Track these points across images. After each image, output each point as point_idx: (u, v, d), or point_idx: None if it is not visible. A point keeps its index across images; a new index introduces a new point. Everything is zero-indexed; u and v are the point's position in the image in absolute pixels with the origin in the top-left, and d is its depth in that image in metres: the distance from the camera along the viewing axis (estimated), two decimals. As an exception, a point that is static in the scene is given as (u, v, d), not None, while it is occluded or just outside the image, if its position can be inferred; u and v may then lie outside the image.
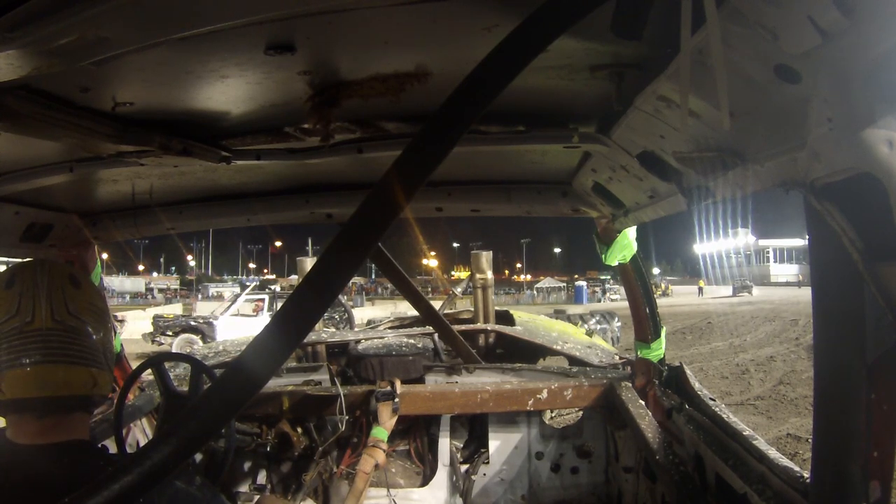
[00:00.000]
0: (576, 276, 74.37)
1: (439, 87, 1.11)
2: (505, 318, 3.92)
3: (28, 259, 1.13)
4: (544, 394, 2.71)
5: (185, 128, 1.58)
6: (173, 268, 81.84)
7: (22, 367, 0.98)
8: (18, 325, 1.00)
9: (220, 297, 30.89)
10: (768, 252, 64.79)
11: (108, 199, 2.43)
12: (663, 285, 54.32)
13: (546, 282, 68.12)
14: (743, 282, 49.55)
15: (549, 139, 1.69)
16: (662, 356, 2.60)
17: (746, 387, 9.44)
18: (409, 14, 0.98)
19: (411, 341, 3.25)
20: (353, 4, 0.93)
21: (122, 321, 17.52)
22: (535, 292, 56.15)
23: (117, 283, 57.29)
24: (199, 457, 2.44)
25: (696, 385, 2.26)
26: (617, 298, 44.16)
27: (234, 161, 1.80)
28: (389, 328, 3.94)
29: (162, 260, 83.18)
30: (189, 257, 74.59)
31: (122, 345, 2.88)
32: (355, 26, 1.04)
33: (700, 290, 49.04)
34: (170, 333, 15.06)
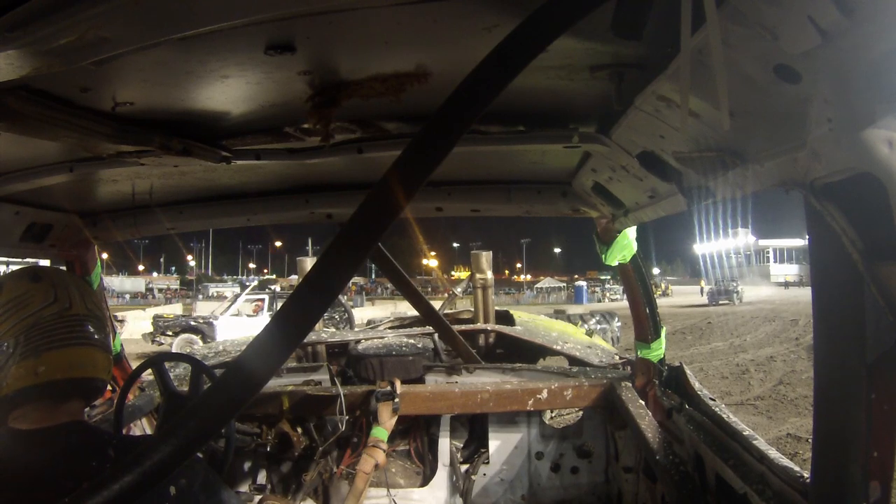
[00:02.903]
0: (576, 276, 74.43)
1: (439, 87, 1.11)
2: (505, 318, 3.92)
3: (38, 261, 1.19)
4: (544, 394, 2.71)
5: (185, 128, 1.58)
6: (173, 268, 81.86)
7: (65, 348, 1.05)
8: (58, 311, 1.06)
9: (220, 296, 30.86)
10: (768, 252, 64.70)
11: (108, 199, 2.43)
12: (663, 285, 53.87)
13: (546, 282, 68.18)
14: (725, 284, 35.80)
15: (549, 139, 1.69)
16: (662, 356, 2.60)
17: (746, 387, 9.44)
18: (409, 14, 0.98)
19: (411, 341, 3.25)
20: (353, 4, 0.93)
21: (122, 321, 17.51)
22: (534, 292, 56.14)
23: (117, 283, 57.29)
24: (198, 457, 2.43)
25: (696, 385, 2.26)
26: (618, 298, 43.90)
27: (234, 161, 1.80)
28: (389, 328, 3.94)
29: (162, 260, 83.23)
30: (189, 257, 74.64)
31: (122, 345, 2.88)
32: (355, 26, 1.04)
33: (702, 290, 47.83)
34: (170, 333, 15.07)
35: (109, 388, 2.76)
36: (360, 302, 35.39)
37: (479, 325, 3.55)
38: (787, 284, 51.33)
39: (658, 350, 2.59)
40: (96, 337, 1.10)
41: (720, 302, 33.13)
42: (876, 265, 0.78)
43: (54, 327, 1.05)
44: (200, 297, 37.66)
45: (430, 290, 45.53)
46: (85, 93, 1.26)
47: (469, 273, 3.84)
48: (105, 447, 1.06)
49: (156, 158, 1.69)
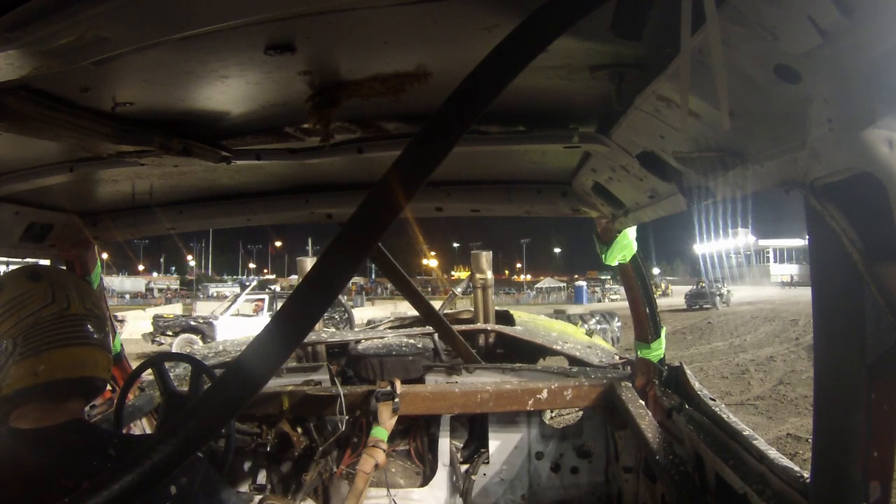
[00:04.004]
0: (576, 276, 74.40)
1: (439, 87, 1.11)
2: (505, 318, 3.92)
3: (38, 261, 1.19)
4: (544, 394, 2.71)
5: (185, 128, 1.58)
6: (173, 268, 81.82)
7: (64, 348, 1.05)
8: (57, 311, 1.06)
9: (220, 297, 30.85)
10: (768, 252, 64.66)
11: (108, 199, 2.43)
12: (663, 285, 53.70)
13: (546, 282, 68.19)
14: (708, 286, 30.37)
15: (549, 139, 1.69)
16: (662, 356, 2.60)
17: (746, 387, 9.44)
18: (409, 14, 0.98)
19: (411, 341, 3.25)
20: (353, 4, 0.93)
21: (122, 321, 17.51)
22: (534, 292, 56.12)
23: (117, 283, 57.32)
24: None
25: (696, 385, 2.26)
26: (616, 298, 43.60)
27: (234, 161, 1.80)
28: (389, 328, 3.94)
29: (162, 260, 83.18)
30: (189, 257, 74.64)
31: (122, 345, 2.88)
32: (355, 26, 1.04)
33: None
34: (170, 333, 15.07)
35: (109, 387, 2.76)
36: (360, 302, 35.40)
37: (479, 325, 3.54)
38: (782, 284, 51.12)
39: (658, 350, 2.59)
40: (95, 336, 1.11)
41: (704, 306, 28.36)
42: (876, 265, 0.78)
43: (53, 327, 1.05)
44: (200, 297, 37.67)
45: (430, 290, 45.53)
46: (85, 93, 1.26)
47: (469, 273, 3.84)
48: (106, 446, 1.06)
49: (156, 158, 1.69)
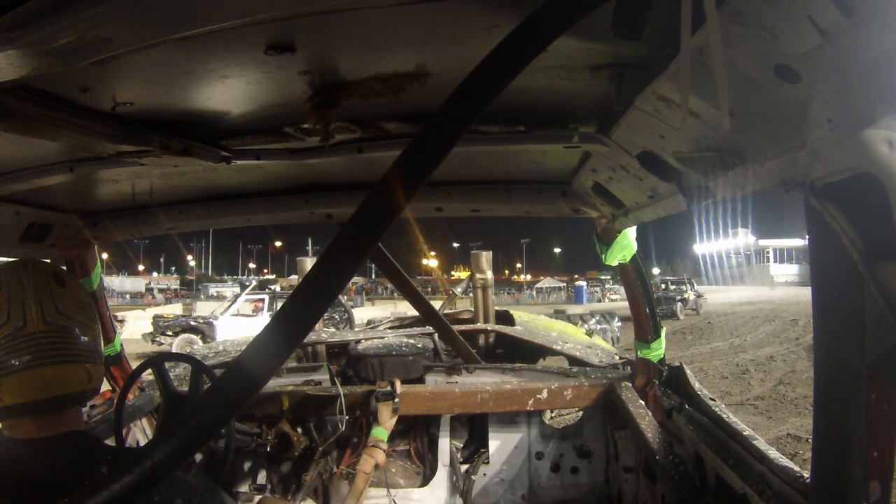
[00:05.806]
0: (576, 276, 74.37)
1: (439, 87, 1.11)
2: (505, 318, 3.92)
3: (9, 260, 1.13)
4: (544, 394, 2.71)
5: (185, 128, 1.58)
6: (173, 268, 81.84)
7: (18, 372, 1.00)
8: (11, 332, 1.00)
9: (220, 297, 30.85)
10: (768, 252, 64.59)
11: (108, 199, 2.43)
12: (663, 285, 53.46)
13: (546, 282, 68.17)
14: (665, 290, 23.96)
15: (549, 139, 1.69)
16: (662, 356, 2.60)
17: (746, 387, 9.44)
18: (409, 14, 0.98)
19: (411, 341, 3.25)
20: (353, 4, 0.93)
21: (122, 321, 17.52)
22: (534, 292, 56.12)
23: (117, 283, 57.36)
24: (198, 457, 2.44)
25: (696, 385, 2.26)
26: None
27: (234, 161, 1.80)
28: (389, 328, 3.94)
29: (162, 260, 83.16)
30: (189, 257, 74.66)
31: (122, 345, 2.88)
32: (355, 26, 1.04)
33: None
34: (170, 333, 15.08)
35: (109, 388, 2.77)
36: (360, 302, 35.38)
37: (479, 325, 3.54)
38: (774, 285, 51.08)
39: (658, 350, 2.59)
40: (63, 352, 1.03)
41: (666, 314, 21.27)
42: (876, 265, 0.78)
43: (7, 350, 0.99)
44: (201, 297, 37.69)
45: (430, 290, 45.53)
46: (85, 93, 1.26)
47: (469, 273, 3.84)
48: (97, 460, 1.03)
49: (156, 158, 1.69)
